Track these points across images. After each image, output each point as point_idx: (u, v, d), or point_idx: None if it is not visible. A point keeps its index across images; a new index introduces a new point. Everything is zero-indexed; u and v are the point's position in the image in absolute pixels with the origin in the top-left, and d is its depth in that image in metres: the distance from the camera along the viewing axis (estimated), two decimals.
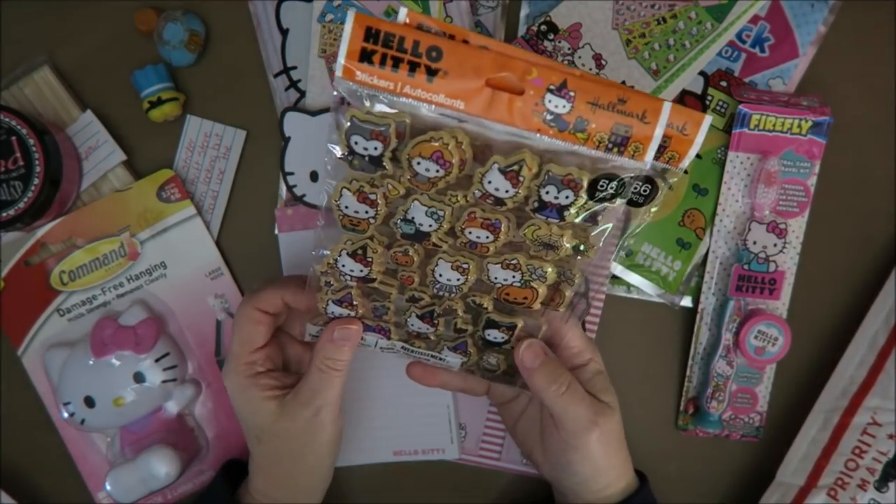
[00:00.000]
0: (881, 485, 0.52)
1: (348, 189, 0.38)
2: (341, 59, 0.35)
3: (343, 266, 0.41)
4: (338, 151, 0.37)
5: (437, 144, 0.35)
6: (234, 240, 0.55)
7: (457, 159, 0.36)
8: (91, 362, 0.52)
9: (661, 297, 0.55)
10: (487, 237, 0.39)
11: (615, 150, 0.35)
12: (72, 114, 0.54)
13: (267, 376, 0.45)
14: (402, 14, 0.35)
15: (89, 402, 0.52)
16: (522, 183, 0.36)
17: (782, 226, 0.52)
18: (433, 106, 0.35)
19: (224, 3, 0.54)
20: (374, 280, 0.42)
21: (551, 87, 0.35)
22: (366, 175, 0.38)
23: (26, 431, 0.56)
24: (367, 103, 0.36)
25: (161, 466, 0.51)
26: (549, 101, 0.35)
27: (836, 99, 0.52)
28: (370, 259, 0.40)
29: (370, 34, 0.34)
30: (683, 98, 0.53)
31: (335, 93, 0.36)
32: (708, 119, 0.35)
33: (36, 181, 0.50)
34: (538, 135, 0.35)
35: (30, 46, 0.55)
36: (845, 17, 0.52)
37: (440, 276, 0.41)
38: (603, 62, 0.52)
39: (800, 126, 0.51)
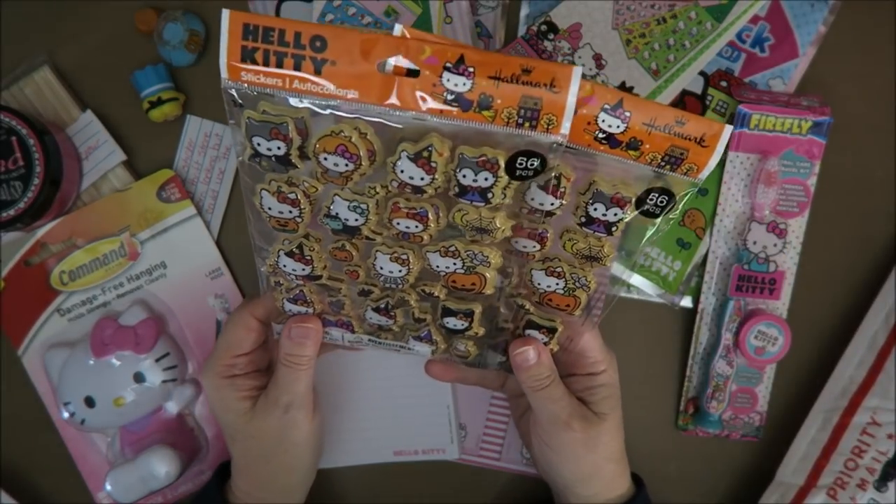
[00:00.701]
0: (881, 484, 0.52)
1: (267, 190, 0.37)
2: (223, 61, 0.33)
3: (285, 266, 0.41)
4: (245, 155, 0.36)
5: (338, 138, 0.34)
6: (234, 240, 0.55)
7: (364, 151, 0.35)
8: (91, 362, 0.52)
9: (661, 297, 0.55)
10: (417, 227, 0.38)
11: (527, 125, 0.33)
12: (72, 114, 0.54)
13: (245, 378, 0.45)
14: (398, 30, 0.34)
15: (89, 402, 0.52)
16: (436, 168, 0.35)
17: (782, 226, 0.52)
18: (325, 99, 0.34)
19: (224, 3, 0.54)
20: (320, 277, 0.41)
21: (448, 64, 0.33)
22: (283, 175, 0.37)
23: (26, 431, 0.56)
24: (264, 103, 0.34)
25: (161, 466, 0.51)
26: (448, 80, 0.33)
27: (836, 99, 0.52)
28: (309, 257, 0.40)
29: (248, 31, 0.33)
30: (683, 98, 0.53)
31: (225, 96, 0.35)
32: (728, 129, 0.34)
33: (36, 181, 0.50)
34: (441, 118, 0.34)
35: (30, 46, 0.55)
36: (845, 17, 0.52)
37: (381, 268, 0.40)
38: (603, 62, 0.52)
39: (800, 126, 0.51)
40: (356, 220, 0.38)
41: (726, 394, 0.54)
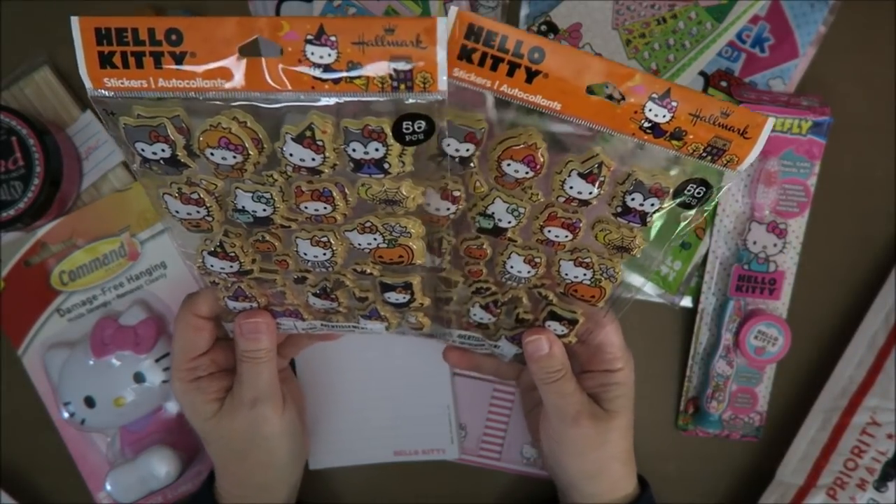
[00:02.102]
0: (880, 484, 0.52)
1: (169, 194, 0.37)
2: (83, 71, 0.32)
3: (212, 266, 0.40)
4: (136, 163, 0.36)
5: (218, 131, 0.34)
6: None
7: (248, 140, 0.34)
8: (91, 362, 0.52)
9: (661, 297, 0.55)
10: (325, 208, 0.37)
11: (402, 87, 0.32)
12: (72, 114, 0.54)
13: (210, 380, 0.45)
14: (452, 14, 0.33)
15: (89, 402, 0.52)
16: (324, 147, 0.34)
17: (782, 226, 0.52)
18: (194, 93, 0.33)
19: (224, 3, 0.54)
20: (251, 271, 0.41)
21: (308, 37, 0.31)
22: (181, 176, 0.37)
23: (26, 431, 0.56)
24: (138, 106, 0.34)
25: (161, 466, 0.51)
26: (312, 54, 0.32)
27: (836, 99, 0.52)
28: (233, 254, 0.39)
29: (102, 36, 0.32)
30: None
31: (96, 107, 0.34)
32: (771, 121, 0.34)
33: (36, 181, 0.50)
34: (315, 93, 0.33)
35: (30, 46, 0.54)
36: (845, 17, 0.52)
37: (305, 254, 0.40)
38: None
39: (800, 126, 0.51)
40: (264, 210, 0.37)
41: (726, 394, 0.54)
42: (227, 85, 0.33)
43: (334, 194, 0.37)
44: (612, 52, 0.52)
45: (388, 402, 0.55)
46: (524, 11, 0.54)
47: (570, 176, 0.36)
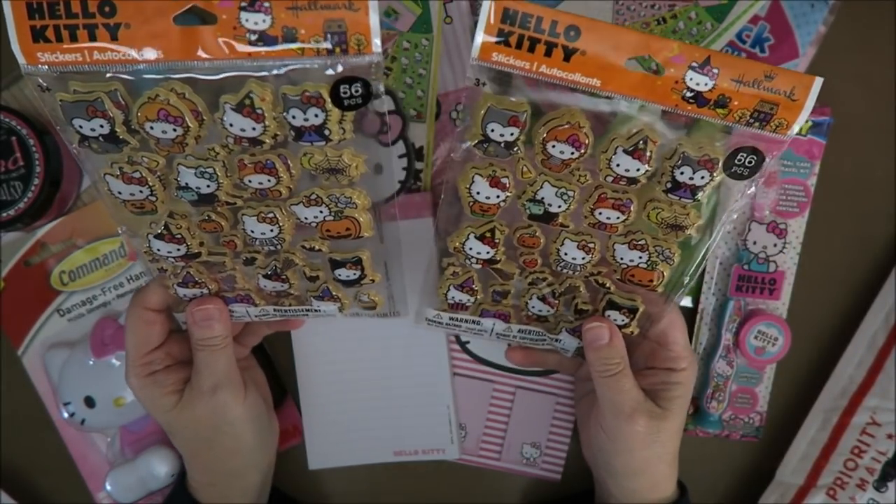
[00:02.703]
0: (880, 484, 0.52)
1: (111, 174, 0.36)
2: (15, 46, 0.32)
3: (159, 250, 0.40)
4: (74, 141, 0.35)
5: (157, 103, 0.33)
6: None
7: (187, 112, 0.34)
8: (91, 362, 0.52)
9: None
10: (269, 180, 0.37)
11: (338, 49, 0.32)
12: None
13: (167, 373, 0.45)
14: None
15: (89, 402, 0.52)
16: (264, 115, 0.34)
17: (782, 226, 0.52)
18: (130, 65, 0.32)
19: None
20: (199, 254, 0.41)
21: (243, 4, 0.32)
22: (121, 155, 0.36)
23: (26, 431, 0.56)
24: (74, 82, 0.33)
25: (161, 466, 0.51)
26: (247, 20, 0.32)
27: (836, 99, 0.52)
28: (179, 236, 0.39)
29: (33, 10, 0.31)
30: None
31: (30, 84, 0.33)
32: (819, 81, 0.33)
33: (36, 181, 0.50)
34: (252, 61, 0.32)
35: None
36: (845, 17, 0.52)
37: (252, 231, 0.40)
38: None
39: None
40: (208, 186, 0.37)
41: (726, 394, 0.54)
42: (161, 55, 0.32)
43: (277, 166, 0.37)
44: None
45: (388, 402, 0.55)
46: None
47: (616, 153, 0.36)
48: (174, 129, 0.34)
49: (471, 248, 0.41)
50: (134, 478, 0.52)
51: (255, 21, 0.32)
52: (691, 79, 0.34)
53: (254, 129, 0.35)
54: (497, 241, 0.40)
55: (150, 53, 0.32)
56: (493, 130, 0.36)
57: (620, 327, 0.43)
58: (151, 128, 0.34)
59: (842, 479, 0.52)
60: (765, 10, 0.52)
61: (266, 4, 0.31)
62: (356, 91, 0.34)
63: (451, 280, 0.43)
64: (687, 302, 0.55)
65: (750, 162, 0.36)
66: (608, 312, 0.43)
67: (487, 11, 0.33)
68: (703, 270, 0.54)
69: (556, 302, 0.44)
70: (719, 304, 0.54)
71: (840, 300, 0.55)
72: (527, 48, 0.33)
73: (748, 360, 0.53)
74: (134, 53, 0.32)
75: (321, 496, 0.57)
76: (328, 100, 0.34)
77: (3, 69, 0.54)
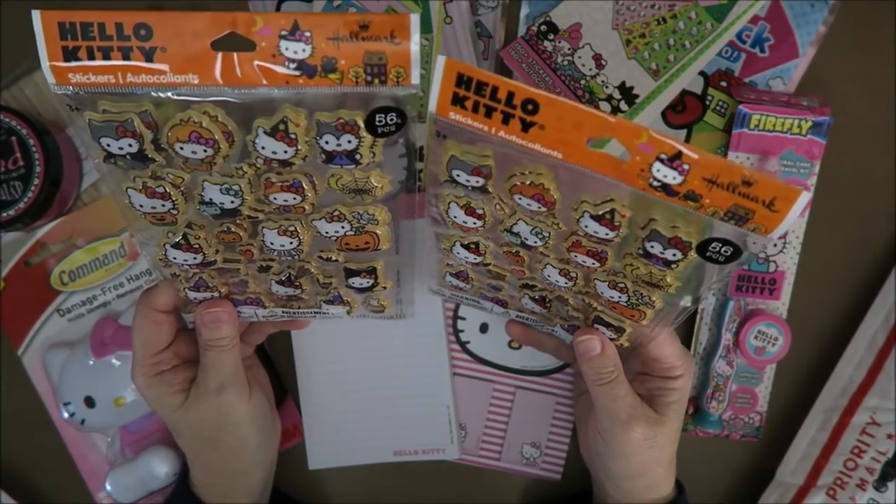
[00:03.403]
0: (880, 484, 0.52)
1: (133, 188, 0.36)
2: (45, 65, 0.32)
3: (175, 259, 0.40)
4: (99, 158, 0.35)
5: (189, 125, 0.33)
6: None
7: (219, 134, 0.34)
8: (91, 362, 0.52)
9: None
10: (294, 198, 0.37)
11: (376, 81, 0.32)
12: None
13: (174, 372, 0.45)
14: None
15: (89, 402, 0.52)
16: (297, 139, 0.34)
17: None
18: (165, 89, 0.32)
19: (224, 2, 0.54)
20: (214, 262, 0.41)
21: (283, 32, 0.31)
22: (145, 170, 0.36)
23: (26, 431, 0.56)
24: (104, 101, 0.33)
25: (161, 466, 0.51)
26: (287, 49, 0.32)
27: (836, 99, 0.52)
28: (197, 245, 0.39)
29: (66, 30, 0.31)
30: (683, 98, 0.53)
31: (59, 103, 0.33)
32: (805, 197, 0.31)
33: (36, 181, 0.50)
34: (289, 88, 0.32)
35: (30, 46, 0.54)
36: (845, 17, 0.52)
37: (272, 243, 0.40)
38: (603, 62, 0.52)
39: (800, 126, 0.51)
40: (232, 202, 0.37)
41: (726, 394, 0.54)
42: (197, 79, 0.32)
43: (304, 185, 0.37)
44: (612, 52, 0.52)
45: (388, 402, 0.55)
46: (524, 11, 0.54)
47: (583, 217, 0.35)
48: (205, 150, 0.34)
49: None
50: (134, 478, 0.52)
51: (296, 50, 0.32)
52: (658, 170, 0.32)
53: (285, 152, 0.35)
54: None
55: (187, 77, 0.32)
56: (458, 176, 0.36)
57: (611, 339, 0.43)
58: (181, 148, 0.34)
59: (842, 479, 0.52)
60: (765, 10, 0.52)
61: (307, 34, 0.31)
62: (391, 119, 0.34)
63: (448, 269, 0.44)
64: (687, 302, 0.54)
65: (726, 251, 0.34)
66: (597, 326, 0.43)
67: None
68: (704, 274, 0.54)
69: (548, 305, 0.44)
70: (719, 304, 0.54)
71: (840, 300, 0.55)
72: (483, 114, 0.32)
73: (748, 360, 0.53)
74: (170, 77, 0.32)
75: (321, 496, 0.57)
76: (363, 127, 0.34)
77: (4, 69, 0.54)
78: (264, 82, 0.32)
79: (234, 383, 0.44)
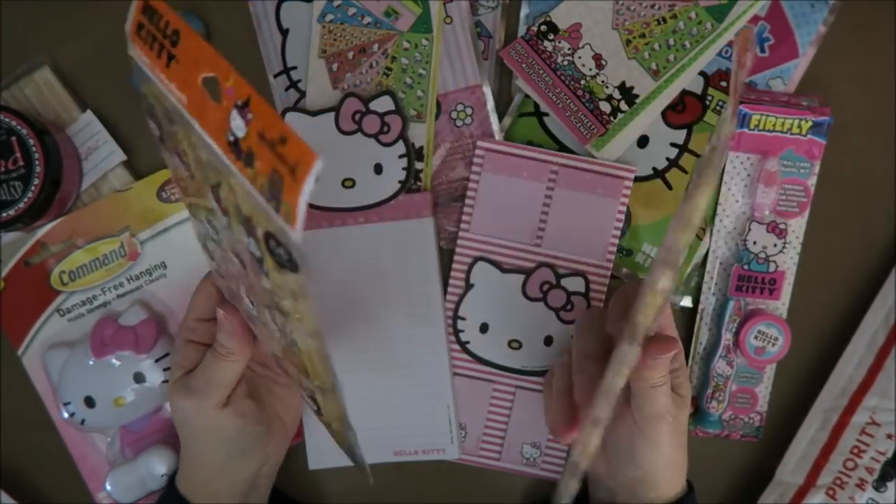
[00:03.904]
0: (880, 484, 0.52)
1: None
2: (128, 28, 0.31)
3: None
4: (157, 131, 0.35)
5: (176, 139, 0.33)
6: None
7: (193, 163, 0.33)
8: (91, 362, 0.52)
9: None
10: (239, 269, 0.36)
11: (273, 204, 0.27)
12: (72, 114, 0.54)
13: (195, 347, 0.45)
14: None
15: (89, 402, 0.52)
16: (228, 211, 0.32)
17: (782, 226, 0.52)
18: (169, 95, 0.31)
19: (224, 3, 0.54)
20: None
21: (238, 102, 0.28)
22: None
23: (26, 431, 0.56)
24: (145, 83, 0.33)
25: (161, 466, 0.51)
26: (234, 120, 0.28)
27: (836, 99, 0.52)
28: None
29: (147, 8, 0.31)
30: (683, 98, 0.53)
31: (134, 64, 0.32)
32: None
33: (36, 181, 0.50)
34: (226, 157, 0.29)
35: (30, 46, 0.54)
36: (845, 17, 0.52)
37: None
38: (603, 62, 0.52)
39: (800, 126, 0.51)
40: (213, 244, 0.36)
41: (726, 394, 0.54)
42: (185, 102, 0.31)
43: (242, 261, 0.35)
44: (612, 52, 0.52)
45: (388, 402, 0.55)
46: (524, 11, 0.54)
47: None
48: (184, 170, 0.34)
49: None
50: (134, 478, 0.52)
51: (238, 125, 0.28)
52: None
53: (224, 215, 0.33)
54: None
55: (181, 96, 0.31)
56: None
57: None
58: (172, 155, 0.35)
59: (841, 479, 0.53)
60: (765, 10, 0.52)
61: (249, 116, 0.28)
62: (280, 253, 0.29)
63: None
64: (687, 302, 0.55)
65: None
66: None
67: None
68: (704, 271, 0.54)
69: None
70: (719, 304, 0.54)
71: (840, 300, 0.55)
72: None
73: (748, 360, 0.53)
74: (173, 88, 0.31)
75: (321, 496, 0.57)
76: (261, 240, 0.30)
77: (4, 69, 0.54)
78: (215, 140, 0.30)
79: (208, 393, 0.43)
